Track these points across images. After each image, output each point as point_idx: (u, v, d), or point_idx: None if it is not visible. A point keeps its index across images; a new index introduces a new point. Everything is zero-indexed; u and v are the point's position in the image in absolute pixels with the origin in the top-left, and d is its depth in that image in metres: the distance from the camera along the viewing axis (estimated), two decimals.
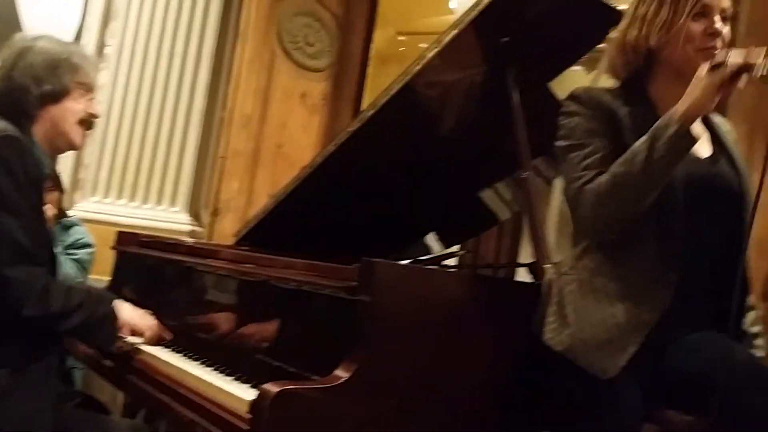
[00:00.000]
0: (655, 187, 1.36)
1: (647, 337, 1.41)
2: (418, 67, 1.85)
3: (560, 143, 1.55)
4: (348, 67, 3.93)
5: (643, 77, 1.55)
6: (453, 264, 2.55)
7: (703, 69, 1.31)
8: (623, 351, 1.39)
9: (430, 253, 2.49)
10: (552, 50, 1.96)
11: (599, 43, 1.91)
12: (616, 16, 1.84)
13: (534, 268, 1.88)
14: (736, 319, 1.51)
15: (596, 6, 1.87)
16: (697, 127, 1.36)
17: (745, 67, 1.25)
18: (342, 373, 1.34)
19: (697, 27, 1.45)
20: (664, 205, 1.41)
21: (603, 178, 1.40)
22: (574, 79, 2.15)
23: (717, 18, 1.45)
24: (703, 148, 1.53)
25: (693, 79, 1.32)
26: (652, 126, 1.37)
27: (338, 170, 2.06)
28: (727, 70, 1.26)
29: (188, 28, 3.58)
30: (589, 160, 1.45)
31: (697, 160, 1.49)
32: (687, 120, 1.31)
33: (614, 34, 1.62)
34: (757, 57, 1.24)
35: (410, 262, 2.23)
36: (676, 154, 1.32)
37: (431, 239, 2.57)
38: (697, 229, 1.44)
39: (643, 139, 1.35)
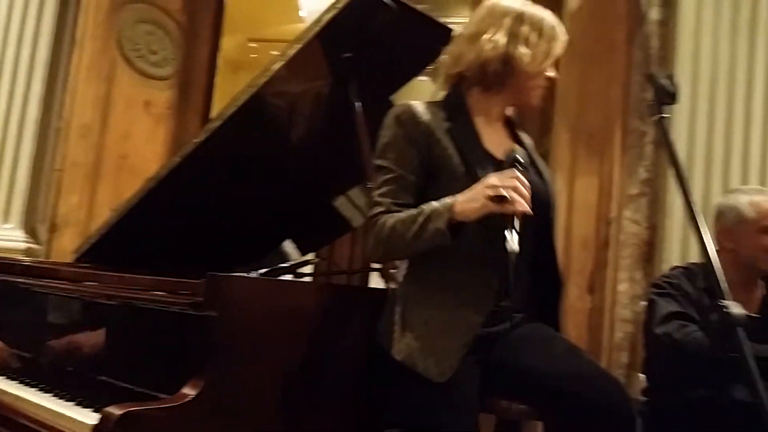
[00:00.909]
0: (419, 252, 1.51)
1: (477, 335, 1.52)
2: (263, 80, 1.88)
3: (375, 157, 1.63)
4: (194, 74, 3.85)
5: (462, 87, 1.66)
6: (308, 272, 2.58)
7: (491, 178, 1.42)
8: (456, 354, 1.48)
9: (287, 261, 2.50)
10: (392, 65, 2.05)
11: (435, 59, 2.02)
12: (448, 33, 1.97)
13: (386, 273, 1.96)
14: (554, 311, 1.67)
15: (431, 25, 1.99)
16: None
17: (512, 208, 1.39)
18: (189, 391, 1.33)
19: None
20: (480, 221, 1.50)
21: (388, 222, 1.51)
22: (421, 89, 2.27)
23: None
24: None
25: (479, 185, 1.44)
26: (468, 138, 1.55)
27: (186, 181, 2.03)
28: (499, 207, 1.40)
29: (20, 35, 3.39)
30: (386, 188, 1.55)
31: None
32: (458, 217, 1.44)
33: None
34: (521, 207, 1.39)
35: (263, 273, 2.24)
36: (437, 242, 1.46)
37: (289, 246, 2.58)
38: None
39: (424, 212, 1.47)
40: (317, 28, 1.83)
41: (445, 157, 1.54)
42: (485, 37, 1.58)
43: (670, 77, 1.37)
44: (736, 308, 1.12)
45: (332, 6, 1.84)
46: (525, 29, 1.58)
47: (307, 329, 1.54)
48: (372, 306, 1.66)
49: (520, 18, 1.59)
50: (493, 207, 1.39)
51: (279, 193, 2.26)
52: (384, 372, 1.55)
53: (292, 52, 1.86)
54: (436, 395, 1.47)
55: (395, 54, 1.98)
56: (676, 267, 2.19)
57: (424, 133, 1.56)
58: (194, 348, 1.40)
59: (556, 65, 1.66)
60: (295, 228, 2.51)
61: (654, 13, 2.90)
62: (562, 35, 1.62)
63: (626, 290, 2.76)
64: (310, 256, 2.56)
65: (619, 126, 2.86)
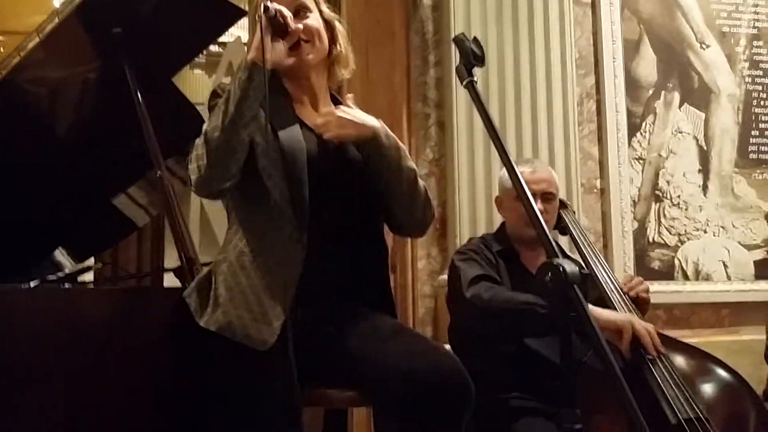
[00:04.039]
0: (242, 126, 1.45)
1: (295, 315, 1.45)
2: (16, 60, 1.63)
3: None
4: None
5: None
6: (89, 280, 2.32)
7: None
8: (277, 318, 1.43)
9: (60, 271, 2.22)
10: (171, 43, 1.89)
11: (219, 36, 1.90)
12: (235, 11, 1.86)
13: (180, 273, 1.80)
14: (383, 291, 1.64)
15: (212, 1, 1.85)
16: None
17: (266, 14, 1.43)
18: None
19: None
20: (294, 179, 1.50)
21: (209, 127, 1.47)
22: (194, 81, 2.12)
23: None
24: None
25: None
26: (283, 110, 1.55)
27: None
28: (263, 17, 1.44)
29: None
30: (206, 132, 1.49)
31: (325, 143, 1.59)
32: (250, 59, 1.45)
33: None
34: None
35: (36, 285, 1.96)
36: (248, 89, 1.44)
37: (59, 256, 2.30)
38: (321, 203, 1.53)
39: (222, 98, 1.47)
40: (78, 1, 1.61)
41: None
42: None
43: (476, 41, 1.38)
44: (569, 266, 1.10)
45: None
46: None
47: (92, 339, 1.36)
48: (165, 300, 1.53)
49: None
50: (265, 24, 1.43)
51: (45, 195, 2.00)
52: (194, 352, 1.46)
53: (49, 27, 1.63)
54: (257, 364, 1.40)
55: (174, 31, 1.82)
56: (473, 238, 2.31)
57: None
58: None
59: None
60: (68, 233, 2.24)
61: None
62: (256, 7, 1.61)
63: (424, 267, 2.84)
64: (90, 262, 2.30)
65: (404, 109, 2.93)
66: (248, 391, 1.41)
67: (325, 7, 1.65)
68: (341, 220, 1.58)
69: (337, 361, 1.48)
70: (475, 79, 1.37)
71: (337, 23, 1.66)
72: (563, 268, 1.09)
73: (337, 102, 1.70)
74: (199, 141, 1.47)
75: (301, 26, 1.55)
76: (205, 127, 1.47)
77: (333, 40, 1.65)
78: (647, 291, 2.03)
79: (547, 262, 1.11)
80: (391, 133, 1.59)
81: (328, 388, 1.51)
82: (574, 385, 1.12)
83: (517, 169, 1.33)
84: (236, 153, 1.46)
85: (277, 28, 1.46)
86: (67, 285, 2.02)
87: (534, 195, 2.05)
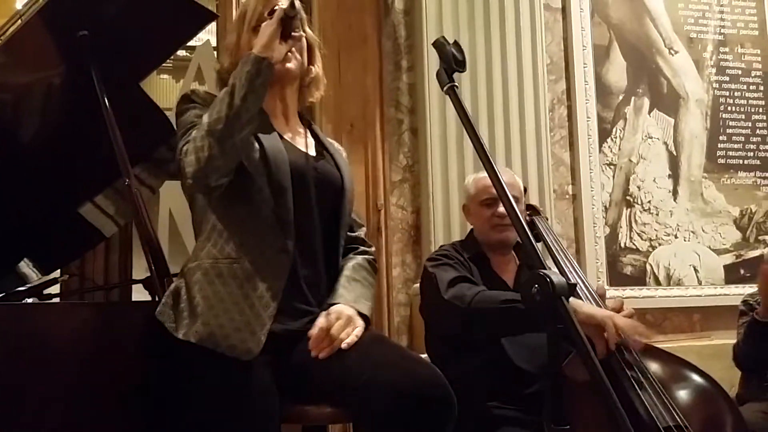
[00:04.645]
0: (251, 116, 1.44)
1: (275, 332, 1.42)
2: None
3: (179, 136, 1.54)
4: None
5: None
6: (56, 293, 2.24)
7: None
8: (262, 327, 1.40)
9: (25, 284, 2.14)
10: (140, 47, 1.83)
11: (190, 39, 1.85)
12: (207, 14, 1.82)
13: (150, 283, 1.74)
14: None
15: (180, 3, 1.80)
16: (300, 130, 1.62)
17: (287, 12, 1.46)
18: None
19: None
20: (276, 189, 1.49)
21: (203, 120, 1.45)
22: (161, 87, 2.07)
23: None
24: (310, 149, 1.66)
25: (261, 30, 1.49)
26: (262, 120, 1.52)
27: None
28: (277, 13, 1.47)
29: None
30: (193, 132, 1.48)
31: (305, 155, 1.61)
32: (259, 55, 1.45)
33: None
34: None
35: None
36: (255, 83, 1.43)
37: (25, 267, 2.22)
38: (302, 214, 1.53)
39: (225, 91, 1.45)
40: (42, 2, 1.55)
41: None
42: None
43: (457, 45, 1.35)
44: (556, 277, 1.07)
45: None
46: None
47: (61, 358, 1.30)
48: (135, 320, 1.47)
49: None
50: (275, 21, 1.45)
51: (9, 204, 1.92)
52: (169, 366, 1.42)
53: (11, 30, 1.56)
54: (241, 375, 1.37)
55: (142, 35, 1.77)
56: (443, 245, 2.29)
57: None
58: None
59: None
60: (33, 243, 2.16)
61: (398, 3, 3.00)
62: (246, 8, 1.62)
63: (399, 274, 2.82)
64: (56, 274, 2.22)
65: (378, 115, 2.91)
66: (229, 403, 1.37)
67: (308, 29, 1.67)
68: (319, 229, 1.57)
69: (314, 373, 1.44)
70: (457, 84, 1.34)
71: (317, 47, 1.69)
72: (550, 279, 1.06)
73: (303, 120, 1.72)
74: (197, 133, 1.44)
75: (303, 35, 1.57)
76: (205, 118, 1.44)
77: (311, 61, 1.67)
78: (631, 316, 2.01)
79: (534, 272, 1.09)
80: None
81: (306, 404, 1.47)
82: (560, 397, 1.10)
83: (489, 175, 1.30)
84: (240, 147, 1.44)
85: (286, 29, 1.47)
86: (31, 299, 1.95)
87: (496, 198, 2.06)
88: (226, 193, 1.49)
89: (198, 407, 1.41)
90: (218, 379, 1.38)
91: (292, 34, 1.50)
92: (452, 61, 1.33)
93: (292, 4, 1.46)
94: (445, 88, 1.35)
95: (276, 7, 1.52)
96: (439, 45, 1.35)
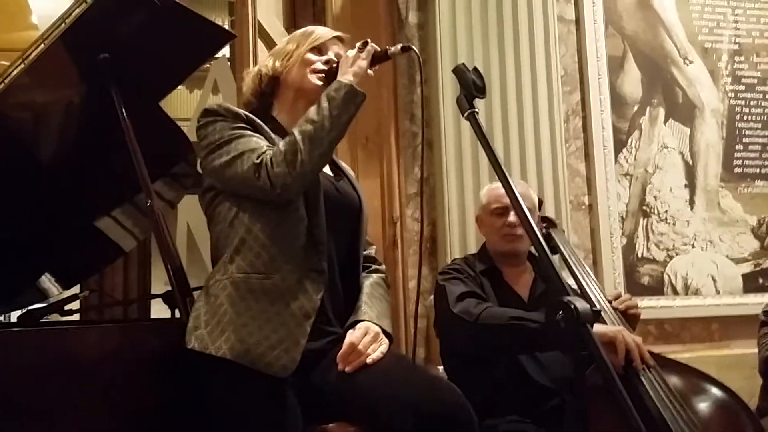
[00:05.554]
0: (338, 135, 1.51)
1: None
2: (0, 87, 1.59)
3: (205, 150, 1.57)
4: None
5: (269, 101, 1.72)
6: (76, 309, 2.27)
7: (353, 51, 1.59)
8: (297, 345, 1.42)
9: (46, 298, 2.17)
10: (159, 68, 1.85)
11: (206, 61, 1.88)
12: (224, 34, 1.84)
13: (169, 298, 1.76)
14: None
15: (199, 24, 1.83)
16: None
17: (382, 53, 1.58)
18: None
19: (311, 56, 1.68)
20: (312, 208, 1.52)
21: (291, 138, 1.48)
22: (175, 97, 2.10)
23: (329, 54, 1.69)
24: (327, 169, 1.68)
25: (343, 59, 1.60)
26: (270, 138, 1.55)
27: None
28: (371, 50, 1.58)
29: None
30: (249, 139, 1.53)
31: (326, 176, 1.64)
32: (353, 81, 1.53)
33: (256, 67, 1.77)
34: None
35: (21, 316, 1.91)
36: (350, 106, 1.50)
37: (46, 282, 2.24)
38: (327, 234, 1.55)
39: (316, 107, 1.51)
40: (65, 26, 1.58)
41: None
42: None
43: (477, 71, 1.36)
44: (581, 304, 1.08)
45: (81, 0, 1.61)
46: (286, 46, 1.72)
47: (83, 378, 1.31)
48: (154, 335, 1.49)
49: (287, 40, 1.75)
50: (367, 55, 1.56)
51: (29, 220, 1.95)
52: (197, 382, 1.43)
53: (34, 54, 1.59)
54: (277, 392, 1.39)
55: (162, 56, 1.79)
56: (455, 259, 2.30)
57: (245, 119, 1.60)
58: None
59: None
60: (54, 258, 2.19)
61: (412, 17, 3.02)
62: (314, 30, 1.74)
63: (415, 287, 2.79)
64: (76, 289, 2.25)
65: (392, 128, 2.92)
66: (267, 419, 1.39)
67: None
68: (340, 250, 1.60)
69: (336, 391, 1.46)
70: (477, 110, 1.36)
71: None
72: (575, 306, 1.08)
73: None
74: (293, 145, 1.46)
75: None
76: (298, 129, 1.48)
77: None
78: (637, 307, 2.03)
79: (559, 300, 1.10)
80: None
81: (327, 422, 1.48)
82: (584, 416, 1.11)
83: (501, 182, 1.32)
84: (326, 161, 1.52)
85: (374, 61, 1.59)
86: (53, 314, 1.97)
87: (507, 208, 2.07)
88: (260, 209, 1.50)
89: (232, 423, 1.41)
90: (256, 395, 1.39)
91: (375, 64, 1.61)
92: (472, 88, 1.35)
93: (406, 48, 1.58)
94: (465, 114, 1.36)
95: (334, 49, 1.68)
96: (460, 71, 1.37)
